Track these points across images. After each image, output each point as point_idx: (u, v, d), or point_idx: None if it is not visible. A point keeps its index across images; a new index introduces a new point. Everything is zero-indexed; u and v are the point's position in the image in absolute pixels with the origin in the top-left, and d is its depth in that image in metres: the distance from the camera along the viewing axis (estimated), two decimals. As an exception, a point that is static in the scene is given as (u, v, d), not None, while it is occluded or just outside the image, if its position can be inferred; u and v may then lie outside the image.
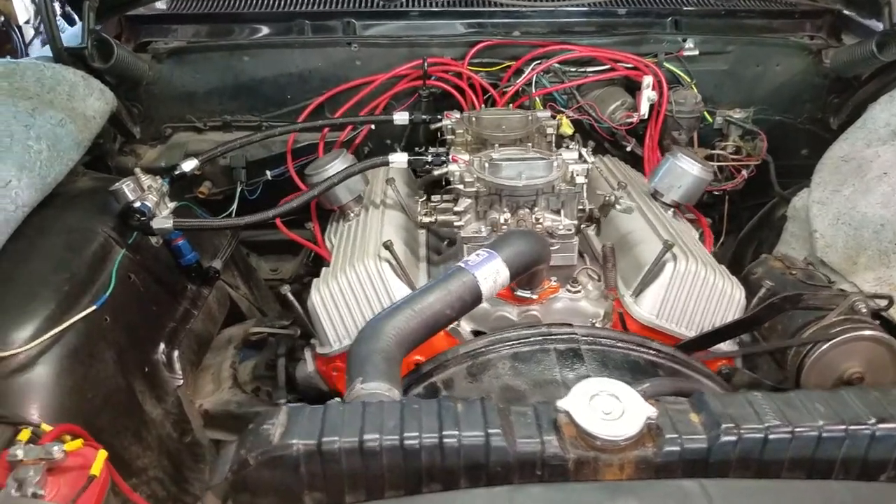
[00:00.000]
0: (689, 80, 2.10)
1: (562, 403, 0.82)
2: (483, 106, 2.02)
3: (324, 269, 1.57)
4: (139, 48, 2.04)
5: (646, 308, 1.46)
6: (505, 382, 1.01)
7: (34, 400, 1.19)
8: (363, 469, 0.81)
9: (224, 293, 1.91)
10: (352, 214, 1.77)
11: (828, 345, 1.33)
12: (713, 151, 2.17)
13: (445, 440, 0.80)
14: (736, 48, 2.12)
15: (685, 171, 1.73)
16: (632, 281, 1.50)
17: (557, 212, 1.51)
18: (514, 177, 1.47)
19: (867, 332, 1.33)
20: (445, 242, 1.79)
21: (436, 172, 1.52)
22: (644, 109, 2.05)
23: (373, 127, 2.10)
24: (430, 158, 1.62)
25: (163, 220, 1.56)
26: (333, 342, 1.48)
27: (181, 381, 1.56)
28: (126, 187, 1.55)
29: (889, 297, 1.39)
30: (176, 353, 1.57)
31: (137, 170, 1.60)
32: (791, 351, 1.40)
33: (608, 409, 0.82)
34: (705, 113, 2.13)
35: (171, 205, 1.67)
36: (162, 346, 1.54)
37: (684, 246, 1.54)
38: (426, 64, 1.99)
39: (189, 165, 1.79)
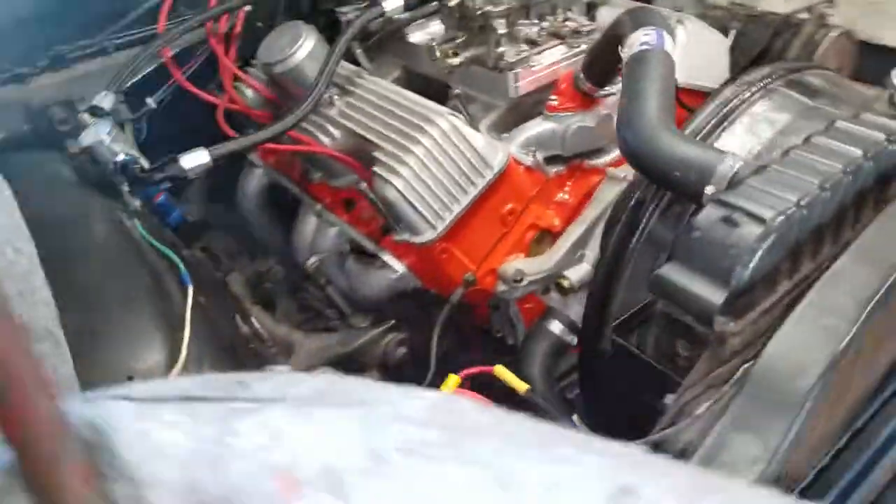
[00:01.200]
0: None
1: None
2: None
3: (376, 156, 1.33)
4: None
5: (680, 76, 1.54)
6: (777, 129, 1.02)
7: None
8: (820, 217, 0.77)
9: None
10: (335, 98, 1.49)
11: (821, 51, 1.57)
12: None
13: (861, 164, 0.80)
14: None
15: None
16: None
17: (569, 10, 1.47)
18: (538, -18, 1.38)
19: (840, 29, 1.60)
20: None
21: (451, 3, 1.35)
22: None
23: (248, 8, 1.73)
24: (423, -7, 1.42)
25: (192, 157, 1.12)
26: (435, 222, 1.30)
27: (275, 350, 1.25)
28: (107, 137, 1.08)
29: (829, 1, 1.67)
30: (253, 320, 1.24)
31: (85, 115, 1.13)
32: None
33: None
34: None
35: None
36: (237, 317, 1.20)
37: (668, 13, 1.62)
38: None
39: (108, 101, 1.30)
